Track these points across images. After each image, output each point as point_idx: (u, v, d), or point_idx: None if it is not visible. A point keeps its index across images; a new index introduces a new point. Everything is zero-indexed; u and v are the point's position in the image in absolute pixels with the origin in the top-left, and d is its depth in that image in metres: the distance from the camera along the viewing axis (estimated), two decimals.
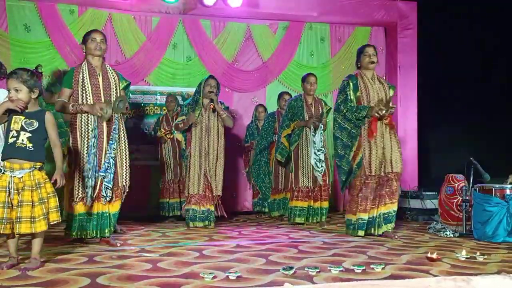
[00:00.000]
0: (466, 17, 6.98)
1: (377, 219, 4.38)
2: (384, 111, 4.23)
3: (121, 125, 4.01)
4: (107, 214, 3.94)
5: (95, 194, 3.86)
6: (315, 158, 5.25)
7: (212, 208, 5.15)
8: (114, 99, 3.90)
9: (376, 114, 4.24)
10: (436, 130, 7.66)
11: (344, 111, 4.40)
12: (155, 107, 6.88)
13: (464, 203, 4.77)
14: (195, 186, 5.11)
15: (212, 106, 5.10)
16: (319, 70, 7.29)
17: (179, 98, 6.90)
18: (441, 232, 4.67)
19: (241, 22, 7.28)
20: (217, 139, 5.19)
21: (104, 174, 3.83)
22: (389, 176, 4.35)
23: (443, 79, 7.31)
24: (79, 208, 3.89)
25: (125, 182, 4.01)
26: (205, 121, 5.17)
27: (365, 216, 4.38)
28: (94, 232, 3.93)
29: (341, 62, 7.69)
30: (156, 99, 6.89)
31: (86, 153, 3.82)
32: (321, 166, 5.28)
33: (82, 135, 3.86)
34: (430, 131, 7.64)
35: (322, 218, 5.45)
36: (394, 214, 4.43)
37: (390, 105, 4.29)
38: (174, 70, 7.06)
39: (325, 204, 5.47)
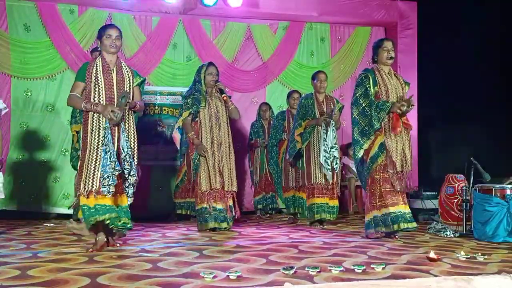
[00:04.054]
0: (466, 17, 6.98)
1: (407, 215, 4.23)
2: (405, 107, 4.16)
3: (131, 122, 3.89)
4: (126, 208, 3.81)
5: (113, 185, 3.66)
6: (324, 156, 5.22)
7: (224, 207, 4.87)
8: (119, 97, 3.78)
9: (398, 111, 4.18)
10: (436, 130, 7.67)
11: (364, 105, 4.30)
12: (155, 107, 6.88)
13: (464, 203, 4.77)
14: (213, 181, 4.80)
15: (225, 98, 4.91)
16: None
17: (179, 98, 6.90)
18: (441, 232, 4.67)
19: (241, 22, 7.28)
20: (227, 130, 4.97)
21: (135, 172, 3.76)
22: (402, 174, 4.29)
23: (443, 79, 7.31)
24: (91, 201, 3.70)
25: (135, 181, 3.87)
26: (214, 111, 4.92)
27: (397, 210, 4.20)
28: (118, 221, 3.72)
29: (341, 62, 7.70)
30: (156, 99, 6.88)
31: (97, 149, 3.70)
32: (336, 163, 5.26)
33: (94, 131, 3.74)
34: (430, 131, 7.64)
35: (333, 217, 5.36)
36: (411, 214, 4.34)
37: (411, 103, 4.20)
38: (174, 70, 7.07)
39: (336, 203, 5.40)
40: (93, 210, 3.66)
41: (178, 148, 5.66)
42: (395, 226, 4.19)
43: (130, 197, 3.84)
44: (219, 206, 4.85)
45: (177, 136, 5.42)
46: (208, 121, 4.89)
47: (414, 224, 4.24)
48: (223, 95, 4.94)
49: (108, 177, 3.62)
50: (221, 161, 4.88)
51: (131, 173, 3.76)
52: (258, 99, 7.31)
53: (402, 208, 4.24)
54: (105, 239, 3.76)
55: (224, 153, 4.91)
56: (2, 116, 4.42)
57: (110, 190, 3.63)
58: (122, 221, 3.75)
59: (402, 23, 7.60)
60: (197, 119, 4.91)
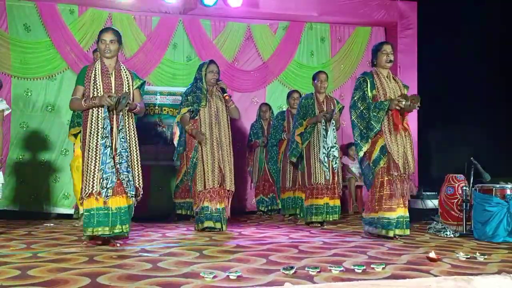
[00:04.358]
0: (466, 16, 6.98)
1: (403, 220, 4.26)
2: (404, 102, 4.16)
3: (131, 124, 3.91)
4: (126, 209, 3.83)
5: (111, 188, 3.72)
6: (324, 153, 5.23)
7: (222, 207, 4.81)
8: (119, 95, 3.79)
9: (397, 107, 4.19)
10: (436, 130, 7.66)
11: (362, 108, 4.33)
12: (155, 107, 6.88)
13: (464, 203, 4.77)
14: (210, 180, 4.74)
15: (226, 97, 4.88)
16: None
17: (179, 98, 6.90)
18: (441, 232, 4.66)
19: (241, 22, 7.28)
20: (227, 129, 4.93)
21: (127, 174, 3.77)
22: (405, 176, 4.30)
23: (443, 79, 7.31)
24: (91, 202, 3.75)
25: (138, 184, 3.91)
26: (214, 110, 4.89)
27: (392, 215, 4.22)
28: (113, 229, 3.76)
29: (341, 62, 7.70)
30: (156, 99, 6.88)
31: (96, 149, 3.74)
32: (336, 163, 5.28)
33: (92, 131, 3.77)
34: (430, 131, 7.64)
35: (335, 217, 5.36)
36: (408, 219, 4.35)
37: (418, 104, 4.20)
38: (174, 70, 7.06)
39: (338, 202, 5.40)
40: (91, 216, 3.74)
41: (175, 144, 5.57)
42: (390, 232, 4.22)
43: (130, 198, 3.84)
44: (216, 205, 4.79)
45: (177, 131, 5.35)
46: (208, 120, 4.85)
47: (407, 232, 4.29)
48: (225, 94, 4.92)
49: (107, 178, 3.66)
50: (222, 160, 4.84)
51: (125, 173, 3.77)
52: (258, 99, 7.31)
53: (401, 213, 4.27)
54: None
55: (225, 152, 4.88)
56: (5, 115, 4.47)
57: (108, 194, 3.69)
58: (116, 230, 3.79)
59: (402, 23, 7.60)
60: (197, 117, 4.87)
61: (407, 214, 4.32)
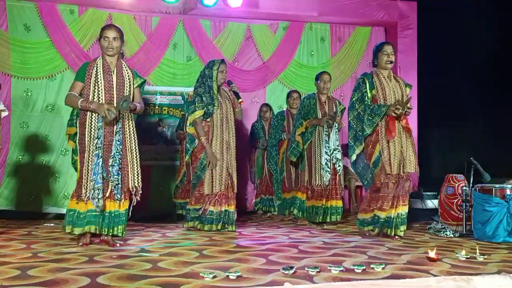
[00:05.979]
0: (466, 17, 6.98)
1: (394, 220, 4.29)
2: (400, 110, 4.17)
3: (130, 126, 3.90)
4: (118, 213, 3.84)
5: (105, 195, 3.75)
6: (326, 158, 5.24)
7: (233, 209, 4.80)
8: (119, 100, 3.78)
9: (393, 114, 4.20)
10: (436, 130, 7.66)
11: (359, 110, 4.34)
12: (155, 107, 6.88)
13: (464, 203, 4.77)
14: (217, 184, 4.72)
15: (242, 102, 4.86)
16: (319, 70, 7.27)
17: (179, 98, 6.90)
18: (441, 232, 4.66)
19: (241, 22, 7.29)
20: (234, 130, 4.91)
21: (117, 177, 3.76)
22: (404, 176, 4.32)
23: (443, 79, 7.31)
24: (81, 206, 3.78)
25: (137, 184, 3.89)
26: (225, 111, 4.82)
27: (382, 215, 4.28)
28: (105, 230, 3.81)
29: (341, 62, 7.70)
30: (156, 99, 6.89)
31: (93, 154, 3.73)
32: (339, 165, 5.29)
33: (91, 134, 3.75)
34: (430, 131, 7.63)
35: (337, 218, 5.38)
36: (405, 216, 4.38)
37: (408, 105, 4.23)
38: (174, 70, 7.07)
39: (340, 203, 5.41)
40: (77, 216, 3.74)
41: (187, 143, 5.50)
42: (389, 231, 4.27)
43: (116, 201, 3.83)
44: (221, 208, 4.75)
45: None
46: (220, 122, 4.79)
47: (402, 229, 4.32)
48: (240, 100, 4.87)
49: (98, 189, 3.66)
50: (230, 164, 4.83)
51: (115, 176, 3.76)
52: (258, 99, 7.32)
53: (400, 211, 4.30)
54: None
55: (232, 154, 4.87)
56: (2, 117, 4.46)
57: (99, 205, 3.70)
58: (104, 231, 3.80)
59: (402, 23, 7.61)
60: (209, 119, 4.78)
61: (406, 214, 4.34)
